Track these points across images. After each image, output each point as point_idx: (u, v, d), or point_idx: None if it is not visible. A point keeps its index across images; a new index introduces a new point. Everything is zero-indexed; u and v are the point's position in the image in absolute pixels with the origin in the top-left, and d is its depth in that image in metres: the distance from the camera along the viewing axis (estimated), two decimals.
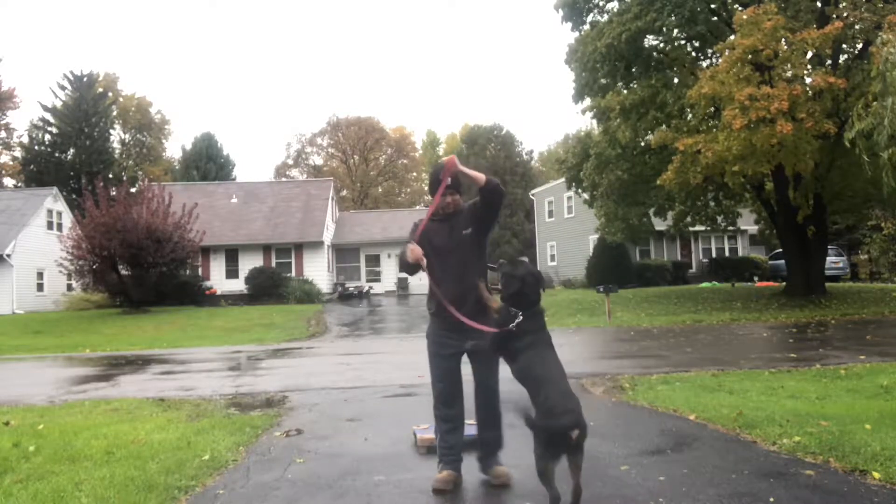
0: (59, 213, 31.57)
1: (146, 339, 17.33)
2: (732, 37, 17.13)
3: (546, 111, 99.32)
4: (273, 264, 29.59)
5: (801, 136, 14.86)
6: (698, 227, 25.20)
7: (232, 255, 30.09)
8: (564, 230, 35.96)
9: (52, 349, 15.53)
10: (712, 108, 17.33)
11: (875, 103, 5.28)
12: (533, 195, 41.57)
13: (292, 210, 32.04)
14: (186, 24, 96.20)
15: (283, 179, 51.72)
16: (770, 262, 31.77)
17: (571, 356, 10.28)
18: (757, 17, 15.56)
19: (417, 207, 55.99)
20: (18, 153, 46.59)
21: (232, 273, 29.82)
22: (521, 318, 3.59)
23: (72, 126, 43.05)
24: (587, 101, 21.26)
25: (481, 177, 3.81)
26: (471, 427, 4.97)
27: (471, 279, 3.95)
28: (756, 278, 30.71)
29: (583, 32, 21.00)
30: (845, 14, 16.67)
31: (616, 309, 18.61)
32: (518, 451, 4.59)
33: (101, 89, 47.60)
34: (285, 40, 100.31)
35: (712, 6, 19.20)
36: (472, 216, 3.98)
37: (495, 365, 3.98)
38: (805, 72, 16.11)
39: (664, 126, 18.83)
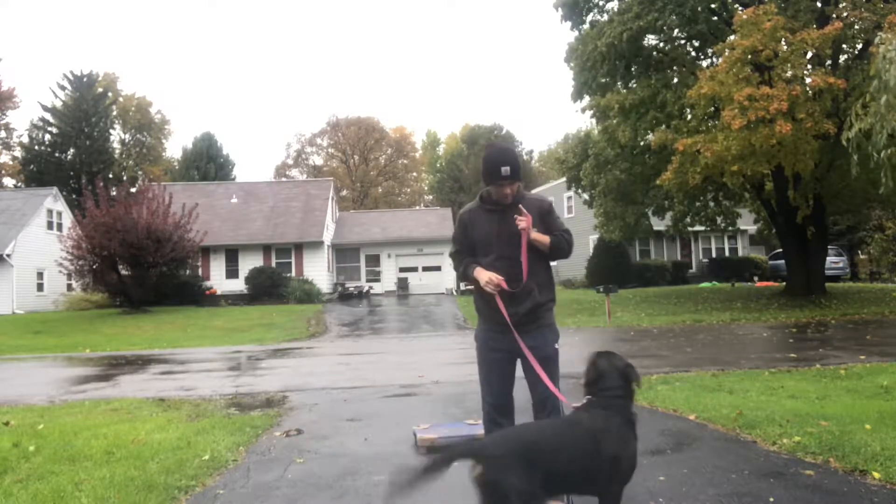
0: (59, 213, 31.57)
1: (146, 339, 17.33)
2: (732, 37, 17.14)
3: (546, 111, 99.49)
4: (273, 264, 29.58)
5: (800, 136, 14.86)
6: (698, 228, 25.20)
7: (232, 255, 30.09)
8: None
9: (52, 349, 15.52)
10: (712, 108, 17.33)
11: (873, 103, 5.28)
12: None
13: (292, 210, 32.04)
14: (186, 24, 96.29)
15: (283, 179, 51.72)
16: (770, 262, 31.79)
17: (571, 356, 10.25)
18: (757, 17, 15.56)
19: (417, 207, 56.01)
20: (18, 153, 46.60)
21: (232, 273, 29.82)
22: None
23: (72, 126, 43.05)
24: (586, 100, 21.30)
25: (546, 240, 3.54)
26: (473, 427, 4.98)
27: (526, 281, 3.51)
28: (756, 278, 30.71)
29: (583, 32, 21.03)
30: (845, 14, 16.67)
31: (616, 309, 18.61)
32: None
33: (101, 89, 47.60)
34: (285, 40, 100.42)
35: (712, 6, 19.20)
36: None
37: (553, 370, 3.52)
38: (805, 72, 16.11)
39: (664, 126, 18.83)
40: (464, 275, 3.65)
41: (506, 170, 3.41)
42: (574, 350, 11.59)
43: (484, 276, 3.45)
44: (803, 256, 20.28)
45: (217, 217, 30.80)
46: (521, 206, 3.52)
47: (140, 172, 51.97)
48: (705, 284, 28.58)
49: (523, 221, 3.45)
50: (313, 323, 20.30)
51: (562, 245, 3.58)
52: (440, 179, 62.05)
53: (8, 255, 27.07)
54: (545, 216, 3.60)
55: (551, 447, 2.73)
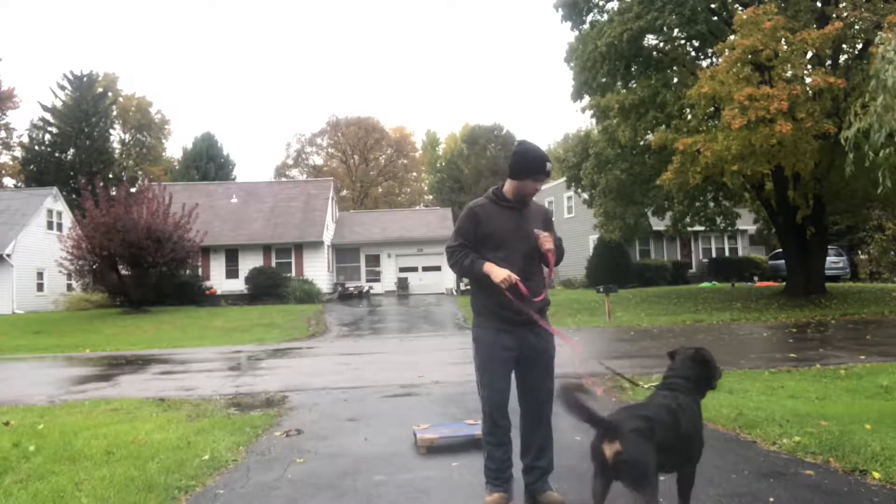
0: (59, 213, 31.56)
1: (146, 339, 17.33)
2: (732, 37, 17.14)
3: (546, 111, 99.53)
4: (273, 264, 29.58)
5: (800, 136, 14.86)
6: (698, 228, 25.21)
7: (232, 255, 30.09)
8: (564, 230, 35.93)
9: (52, 349, 15.52)
10: (712, 108, 17.33)
11: (872, 102, 5.28)
12: None
13: (292, 210, 32.04)
14: (186, 24, 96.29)
15: (283, 179, 51.70)
16: (770, 262, 31.79)
17: (571, 356, 10.28)
18: (757, 17, 15.57)
19: (417, 207, 55.99)
20: (18, 153, 46.57)
21: (232, 273, 29.82)
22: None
23: (72, 126, 43.03)
24: (586, 100, 21.32)
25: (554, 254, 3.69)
26: (473, 427, 4.98)
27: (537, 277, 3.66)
28: (756, 278, 30.71)
29: (583, 32, 21.05)
30: (845, 14, 16.67)
31: (616, 309, 18.61)
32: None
33: (101, 89, 47.57)
34: (285, 40, 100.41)
35: (712, 6, 19.21)
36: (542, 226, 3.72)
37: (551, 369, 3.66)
38: (805, 72, 16.11)
39: (664, 126, 18.84)
40: (469, 269, 3.58)
41: (549, 166, 3.59)
42: (575, 350, 11.60)
43: (500, 273, 3.43)
44: (803, 256, 20.27)
45: (217, 217, 30.79)
46: (548, 220, 3.76)
47: (140, 172, 51.95)
48: (705, 284, 28.58)
49: (549, 242, 3.56)
50: (313, 323, 20.29)
51: (559, 256, 3.75)
52: (440, 179, 62.03)
53: (8, 255, 27.06)
54: (546, 224, 3.72)
55: (659, 422, 2.87)
